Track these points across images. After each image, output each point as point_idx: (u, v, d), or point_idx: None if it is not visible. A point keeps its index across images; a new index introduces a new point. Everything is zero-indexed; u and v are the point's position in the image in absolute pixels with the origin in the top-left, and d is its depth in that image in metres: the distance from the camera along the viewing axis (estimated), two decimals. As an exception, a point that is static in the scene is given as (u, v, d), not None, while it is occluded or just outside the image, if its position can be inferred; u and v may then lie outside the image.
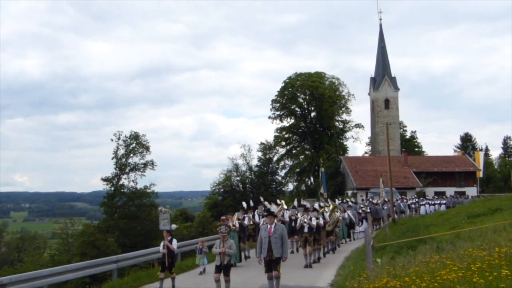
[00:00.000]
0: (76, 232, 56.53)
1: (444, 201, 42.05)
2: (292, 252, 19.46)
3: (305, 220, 16.18)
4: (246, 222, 18.19)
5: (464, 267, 8.53)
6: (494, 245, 10.24)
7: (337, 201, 24.76)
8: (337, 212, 20.94)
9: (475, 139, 79.23)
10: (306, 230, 16.05)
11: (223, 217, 13.13)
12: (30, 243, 71.83)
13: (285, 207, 21.67)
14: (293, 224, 19.07)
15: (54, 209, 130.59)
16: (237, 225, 17.08)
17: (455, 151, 73.74)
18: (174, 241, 12.99)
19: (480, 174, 56.75)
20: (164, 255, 12.81)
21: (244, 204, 19.57)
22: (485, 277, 7.57)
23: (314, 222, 16.20)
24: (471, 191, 54.20)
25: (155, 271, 15.61)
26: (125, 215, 51.60)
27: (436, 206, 40.61)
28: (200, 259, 15.74)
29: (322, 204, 21.86)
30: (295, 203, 23.40)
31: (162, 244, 13.05)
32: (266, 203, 20.09)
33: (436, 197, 45.41)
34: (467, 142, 78.31)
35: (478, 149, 70.41)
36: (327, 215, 19.31)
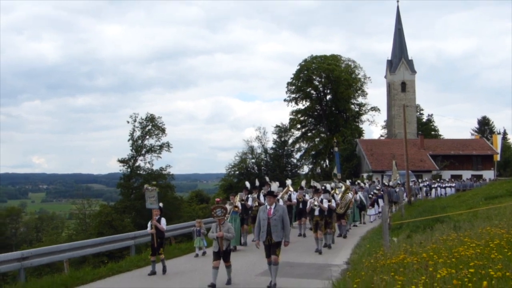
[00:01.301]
0: (93, 212, 57.28)
1: (453, 184, 41.78)
2: (300, 235, 18.59)
3: (316, 203, 15.03)
4: (250, 203, 17.00)
5: (482, 244, 8.47)
6: (512, 223, 10.16)
7: (348, 182, 23.25)
8: (349, 193, 19.69)
9: (492, 122, 78.34)
10: (317, 213, 14.91)
11: (217, 199, 11.85)
12: (48, 223, 72.98)
13: (291, 189, 20.21)
14: (300, 206, 18.35)
15: (71, 191, 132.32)
16: (240, 206, 16.01)
17: (472, 134, 72.98)
18: (163, 220, 12.13)
19: (498, 157, 56.08)
20: (153, 236, 11.96)
21: (248, 184, 18.48)
22: (503, 253, 7.52)
23: (325, 204, 15.13)
24: (488, 174, 53.73)
25: (172, 248, 15.77)
26: (142, 196, 52.00)
27: (447, 189, 40.35)
28: (199, 241, 14.79)
29: (333, 185, 20.78)
30: (303, 183, 22.26)
31: (149, 224, 12.14)
32: (272, 183, 18.47)
33: (446, 180, 45.08)
34: (484, 126, 77.40)
35: (495, 132, 69.51)
36: (338, 197, 18.41)
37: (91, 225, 52.66)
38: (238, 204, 15.93)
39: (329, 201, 15.55)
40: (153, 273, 11.71)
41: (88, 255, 24.84)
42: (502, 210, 13.93)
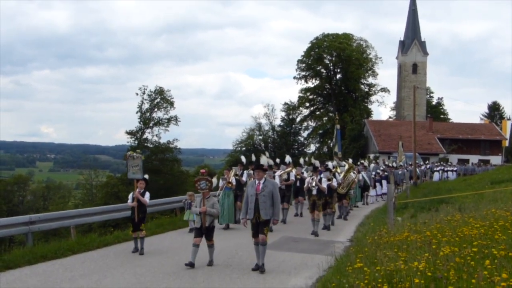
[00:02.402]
0: (100, 183, 57.79)
1: (455, 168, 41.77)
2: (297, 215, 17.85)
3: (313, 183, 13.92)
4: (244, 178, 15.88)
5: (487, 225, 8.50)
6: (518, 206, 10.17)
7: (350, 160, 22.21)
8: (353, 173, 18.69)
9: (503, 108, 77.71)
10: (314, 192, 13.90)
11: (202, 170, 10.61)
12: (55, 193, 73.68)
13: (293, 171, 18.07)
14: (298, 184, 17.25)
15: (78, 161, 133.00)
16: (234, 182, 15.19)
17: (481, 119, 72.50)
18: (147, 194, 10.96)
19: (506, 143, 55.78)
20: (134, 210, 10.87)
21: (243, 158, 17.39)
22: (507, 234, 7.54)
23: (324, 184, 14.01)
24: (496, 159, 53.54)
25: (178, 219, 15.86)
26: (148, 169, 52.12)
27: (449, 173, 40.31)
28: (190, 214, 13.73)
29: (335, 163, 19.53)
30: (301, 161, 21.20)
31: (131, 195, 11.03)
32: (263, 156, 16.63)
33: (449, 163, 45.01)
34: (494, 111, 76.85)
35: (505, 118, 69.01)
36: (339, 176, 17.39)
37: (97, 195, 53.23)
38: (233, 179, 15.22)
39: (329, 179, 14.65)
40: (136, 250, 10.82)
41: (95, 223, 25.14)
42: (508, 193, 13.94)
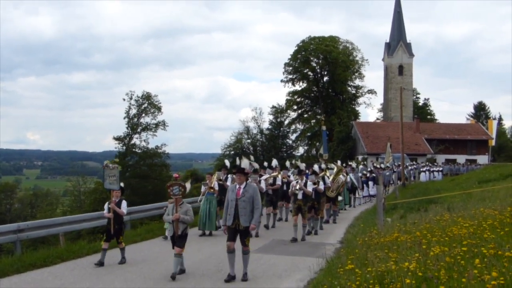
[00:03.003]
0: (88, 190, 57.36)
1: (441, 169, 42.24)
2: (280, 219, 17.18)
3: (297, 186, 13.26)
4: (229, 183, 14.82)
5: (475, 224, 8.57)
6: (506, 205, 10.26)
7: (339, 163, 21.52)
8: (342, 175, 18.24)
9: (488, 108, 78.58)
10: (300, 196, 13.25)
11: (175, 175, 10.22)
12: (43, 200, 73.09)
13: (279, 175, 17.03)
14: (284, 188, 16.31)
15: (66, 168, 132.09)
16: (216, 187, 14.59)
17: (468, 119, 73.13)
18: (124, 203, 10.59)
19: (493, 142, 56.32)
20: (110, 221, 10.44)
21: (227, 163, 16.83)
22: (496, 233, 7.61)
23: (310, 188, 13.42)
24: (483, 159, 54.06)
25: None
26: (136, 174, 52.12)
27: (435, 173, 40.69)
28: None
29: (323, 166, 18.62)
30: (287, 164, 20.54)
31: (106, 205, 10.60)
32: (243, 158, 16.87)
33: (435, 164, 45.38)
34: (480, 111, 77.60)
35: (491, 118, 69.71)
36: (328, 179, 16.84)
37: (85, 202, 52.82)
38: (215, 184, 14.62)
39: (316, 183, 14.00)
40: (100, 263, 10.05)
41: (83, 230, 24.92)
42: (495, 192, 14.06)
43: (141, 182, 50.59)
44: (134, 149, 54.29)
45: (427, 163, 45.52)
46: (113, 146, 55.22)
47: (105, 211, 10.61)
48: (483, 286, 4.84)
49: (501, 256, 5.97)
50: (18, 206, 71.42)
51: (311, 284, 7.99)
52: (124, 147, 54.05)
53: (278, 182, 16.41)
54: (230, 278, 8.68)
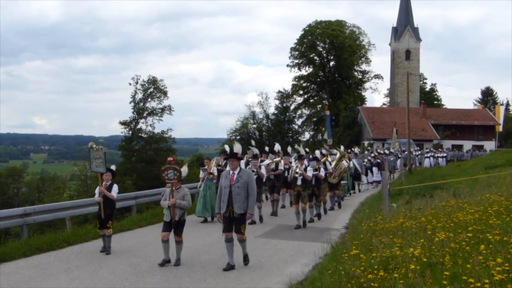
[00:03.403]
0: (95, 174, 57.56)
1: (445, 154, 42.15)
2: (283, 206, 16.85)
3: (298, 170, 12.87)
4: (228, 169, 14.49)
5: (481, 210, 8.55)
6: (512, 191, 10.22)
7: (342, 148, 21.06)
8: (345, 161, 17.76)
9: (496, 93, 78.19)
10: (299, 182, 12.90)
11: (169, 159, 9.83)
12: (50, 184, 73.53)
13: (281, 161, 16.63)
14: (286, 174, 15.76)
15: (72, 152, 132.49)
16: (215, 173, 14.12)
17: (475, 105, 72.77)
18: (115, 187, 10.14)
19: (500, 128, 56.07)
20: (100, 206, 10.05)
21: (227, 148, 16.35)
22: (502, 219, 7.58)
23: (310, 173, 13.02)
24: (490, 145, 53.82)
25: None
26: (143, 159, 52.31)
27: (439, 159, 40.66)
28: None
29: (325, 151, 18.13)
30: (289, 149, 19.99)
31: (97, 190, 10.24)
32: (236, 143, 14.92)
33: (439, 149, 45.28)
34: (488, 97, 77.17)
35: (498, 103, 69.32)
36: (330, 165, 16.40)
37: (92, 186, 53.03)
38: (214, 170, 14.18)
39: (317, 169, 13.55)
40: (104, 248, 10.00)
41: (90, 214, 25.11)
42: (501, 178, 14.01)
43: (147, 166, 50.76)
44: (140, 134, 54.47)
45: (431, 149, 45.44)
46: (119, 130, 55.52)
47: (96, 195, 10.21)
48: (488, 272, 4.83)
49: (507, 242, 5.96)
50: (25, 190, 71.89)
51: (316, 269, 8.02)
52: (130, 132, 54.23)
53: (281, 167, 15.96)
54: (229, 267, 8.45)
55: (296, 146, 16.90)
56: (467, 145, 52.77)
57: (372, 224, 9.48)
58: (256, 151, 15.45)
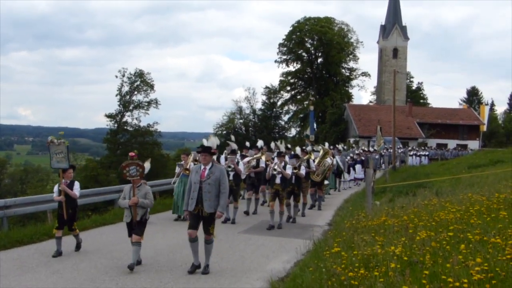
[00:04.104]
0: (79, 167, 57.08)
1: (427, 153, 42.56)
2: (265, 202, 16.13)
3: (276, 167, 12.18)
4: None
5: (463, 210, 8.61)
6: (493, 191, 10.31)
7: (326, 145, 20.38)
8: (328, 158, 16.84)
9: (481, 93, 78.96)
10: (278, 180, 12.20)
11: (131, 153, 8.73)
12: (33, 176, 72.82)
13: (263, 157, 15.68)
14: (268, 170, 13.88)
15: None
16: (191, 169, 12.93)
17: (460, 104, 73.41)
18: (77, 184, 9.41)
19: (484, 128, 56.66)
20: (61, 205, 9.19)
21: (205, 142, 15.28)
22: (482, 219, 7.64)
23: (289, 171, 12.31)
24: (474, 144, 54.37)
25: (157, 203, 15.34)
26: (128, 152, 51.81)
27: (422, 157, 41.03)
28: None
29: (309, 148, 17.42)
30: (272, 145, 18.38)
31: (56, 188, 9.42)
32: (211, 136, 13.52)
33: (422, 148, 45.63)
34: (473, 96, 77.88)
35: (483, 103, 70.03)
36: (313, 163, 15.73)
37: (76, 179, 52.67)
38: (191, 165, 13.08)
39: (296, 168, 12.74)
40: (58, 253, 9.04)
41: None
42: (484, 178, 14.13)
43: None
44: (125, 127, 54.13)
45: (413, 147, 45.77)
46: (104, 123, 55.34)
47: (55, 194, 9.43)
48: (467, 272, 4.85)
49: (486, 242, 6.00)
50: (8, 182, 71.14)
51: (297, 265, 8.02)
52: (116, 125, 53.87)
53: (262, 164, 15.05)
54: (194, 269, 7.96)
55: (276, 143, 15.47)
56: (452, 144, 53.25)
57: (354, 221, 9.51)
58: (234, 146, 14.42)
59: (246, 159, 14.98)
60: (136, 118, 54.66)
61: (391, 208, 10.49)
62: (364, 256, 6.25)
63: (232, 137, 17.25)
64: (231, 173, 13.12)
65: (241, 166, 13.69)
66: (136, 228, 8.21)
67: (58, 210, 9.36)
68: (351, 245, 7.24)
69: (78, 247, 9.47)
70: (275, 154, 13.59)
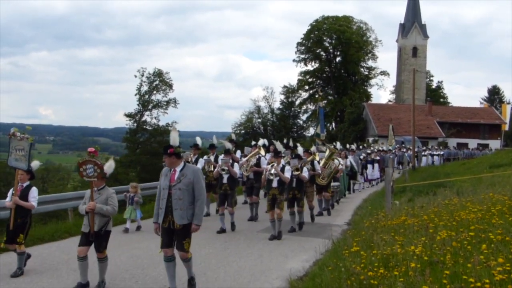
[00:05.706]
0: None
1: (441, 153, 41.69)
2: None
3: (272, 170, 10.68)
4: (199, 165, 12.64)
5: (484, 209, 8.50)
6: (516, 191, 10.16)
7: (338, 145, 18.99)
8: (335, 159, 15.32)
9: (503, 92, 77.78)
10: (275, 184, 10.72)
11: (90, 149, 6.96)
12: (54, 175, 73.68)
13: (262, 152, 14.89)
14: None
15: (77, 143, 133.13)
16: None
17: (481, 103, 72.48)
18: (34, 190, 7.83)
19: (506, 127, 55.80)
20: (11, 214, 7.61)
21: (199, 140, 14.18)
22: (504, 219, 7.54)
23: (288, 173, 10.79)
24: (495, 144, 53.61)
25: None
26: (147, 151, 52.47)
27: (435, 157, 40.11)
28: (131, 211, 11.56)
29: (314, 148, 15.92)
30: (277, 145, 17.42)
31: (10, 192, 7.81)
32: (226, 142, 13.30)
33: (435, 147, 44.90)
34: (494, 95, 76.81)
35: (505, 102, 69.00)
36: (318, 164, 13.90)
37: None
38: None
39: (297, 169, 11.19)
40: (19, 270, 7.68)
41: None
42: (506, 177, 13.92)
43: (152, 159, 50.88)
44: (145, 126, 54.61)
45: (428, 147, 45.13)
46: (124, 122, 55.75)
47: (7, 198, 7.87)
48: (489, 272, 4.79)
49: (508, 242, 5.92)
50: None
51: (316, 265, 8.00)
52: (135, 124, 54.37)
53: (263, 165, 13.55)
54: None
55: (277, 143, 13.03)
56: (473, 143, 52.60)
57: (374, 221, 9.45)
58: (228, 145, 12.93)
59: (243, 160, 14.20)
60: (155, 117, 55.24)
61: (411, 208, 10.39)
62: (384, 255, 6.21)
63: (233, 136, 16.44)
64: (225, 176, 11.76)
65: (236, 168, 12.30)
66: (96, 241, 6.84)
67: (8, 219, 7.79)
68: (371, 244, 7.20)
69: (19, 269, 7.64)
70: (271, 154, 12.60)
